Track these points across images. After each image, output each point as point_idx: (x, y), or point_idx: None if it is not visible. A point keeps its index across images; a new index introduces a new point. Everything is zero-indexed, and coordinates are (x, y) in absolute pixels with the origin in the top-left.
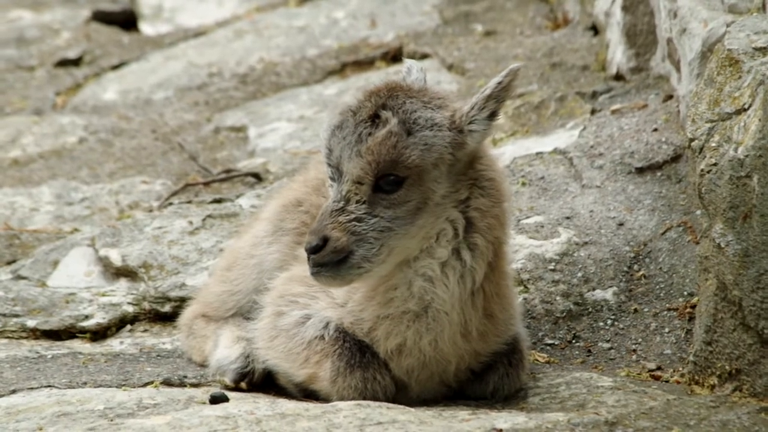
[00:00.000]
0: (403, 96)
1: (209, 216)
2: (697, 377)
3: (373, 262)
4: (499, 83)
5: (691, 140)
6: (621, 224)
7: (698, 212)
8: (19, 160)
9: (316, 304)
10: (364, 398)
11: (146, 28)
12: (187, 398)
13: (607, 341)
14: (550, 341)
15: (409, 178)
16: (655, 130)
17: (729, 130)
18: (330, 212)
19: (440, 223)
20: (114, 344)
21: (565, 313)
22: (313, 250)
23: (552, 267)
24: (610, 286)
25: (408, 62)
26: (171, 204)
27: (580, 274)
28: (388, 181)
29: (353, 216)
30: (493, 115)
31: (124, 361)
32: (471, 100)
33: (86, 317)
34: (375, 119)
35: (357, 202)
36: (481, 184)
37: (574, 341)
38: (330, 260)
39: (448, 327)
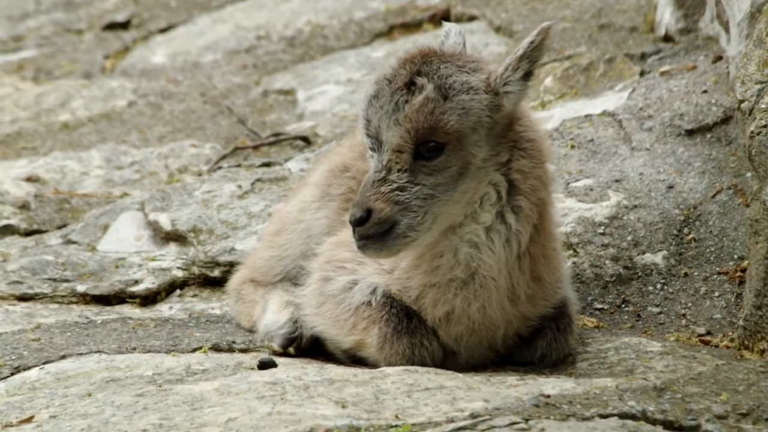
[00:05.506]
0: (438, 61)
1: (258, 180)
2: (746, 342)
3: (418, 231)
4: (531, 42)
5: (741, 102)
6: (671, 187)
7: (748, 174)
8: (68, 124)
9: (363, 270)
10: (412, 364)
11: None
12: (236, 364)
13: (657, 306)
14: (599, 306)
15: (449, 143)
16: (705, 91)
17: None
18: (372, 183)
19: (483, 187)
20: (163, 309)
21: (614, 278)
22: (357, 223)
23: (601, 231)
24: (660, 250)
25: (447, 26)
26: (220, 168)
27: (629, 238)
28: (428, 148)
29: (396, 185)
30: (527, 76)
31: (173, 326)
32: (505, 61)
33: (136, 282)
34: (411, 86)
35: (398, 171)
36: (521, 145)
37: (623, 306)
38: (375, 232)
39: (495, 293)
